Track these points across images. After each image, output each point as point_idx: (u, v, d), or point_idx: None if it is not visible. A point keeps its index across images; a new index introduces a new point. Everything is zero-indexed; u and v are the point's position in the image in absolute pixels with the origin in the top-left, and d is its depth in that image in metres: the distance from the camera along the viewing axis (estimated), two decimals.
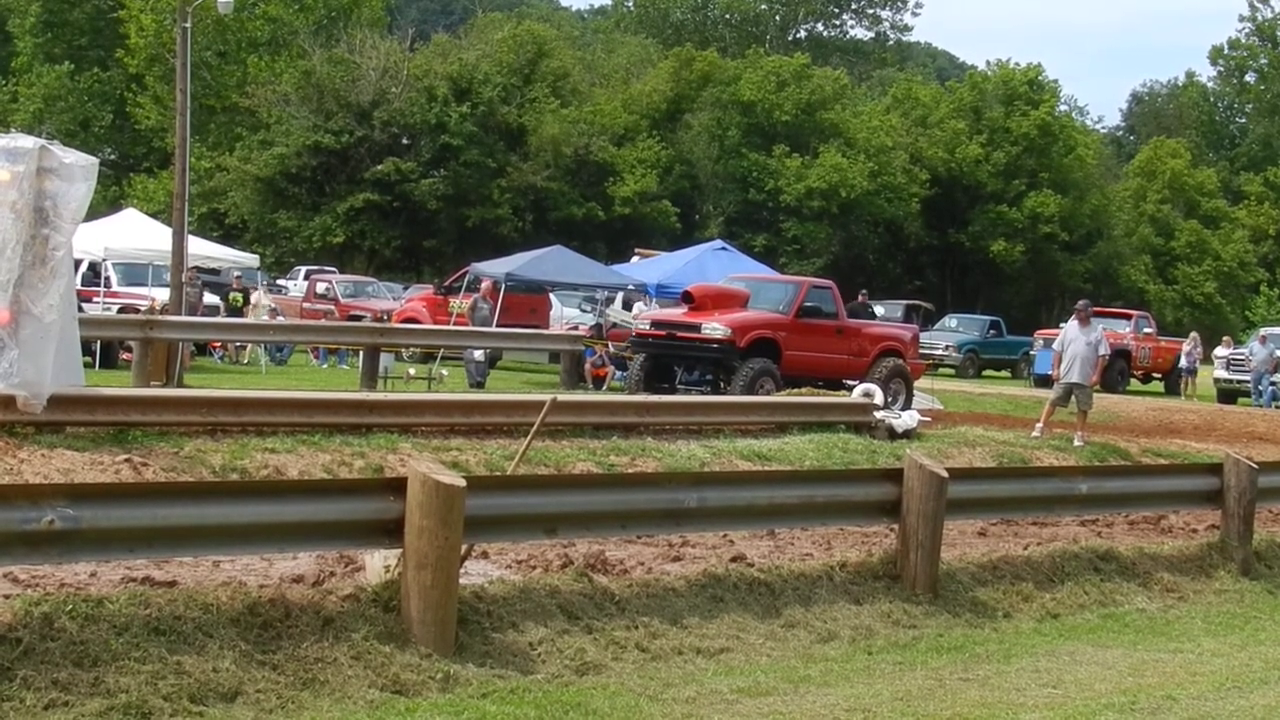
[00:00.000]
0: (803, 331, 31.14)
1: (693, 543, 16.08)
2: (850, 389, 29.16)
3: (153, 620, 10.08)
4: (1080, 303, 28.89)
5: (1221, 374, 52.37)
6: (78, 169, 17.92)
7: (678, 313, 32.63)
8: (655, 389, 30.36)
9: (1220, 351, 53.68)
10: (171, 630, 10.03)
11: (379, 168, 75.78)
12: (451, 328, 38.42)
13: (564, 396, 22.83)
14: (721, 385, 30.57)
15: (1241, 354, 51.97)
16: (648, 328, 32.45)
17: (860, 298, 48.50)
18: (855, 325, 33.40)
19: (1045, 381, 42.13)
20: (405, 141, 78.31)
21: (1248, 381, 50.14)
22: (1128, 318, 55.37)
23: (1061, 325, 31.49)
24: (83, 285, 34.90)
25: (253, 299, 46.29)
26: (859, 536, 17.26)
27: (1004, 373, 59.41)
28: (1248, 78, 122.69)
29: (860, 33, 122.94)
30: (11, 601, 10.19)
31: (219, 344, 40.53)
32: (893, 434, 25.09)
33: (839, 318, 32.49)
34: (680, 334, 31.01)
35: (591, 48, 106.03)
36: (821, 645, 12.56)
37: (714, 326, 30.29)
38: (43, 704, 9.02)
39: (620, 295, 46.11)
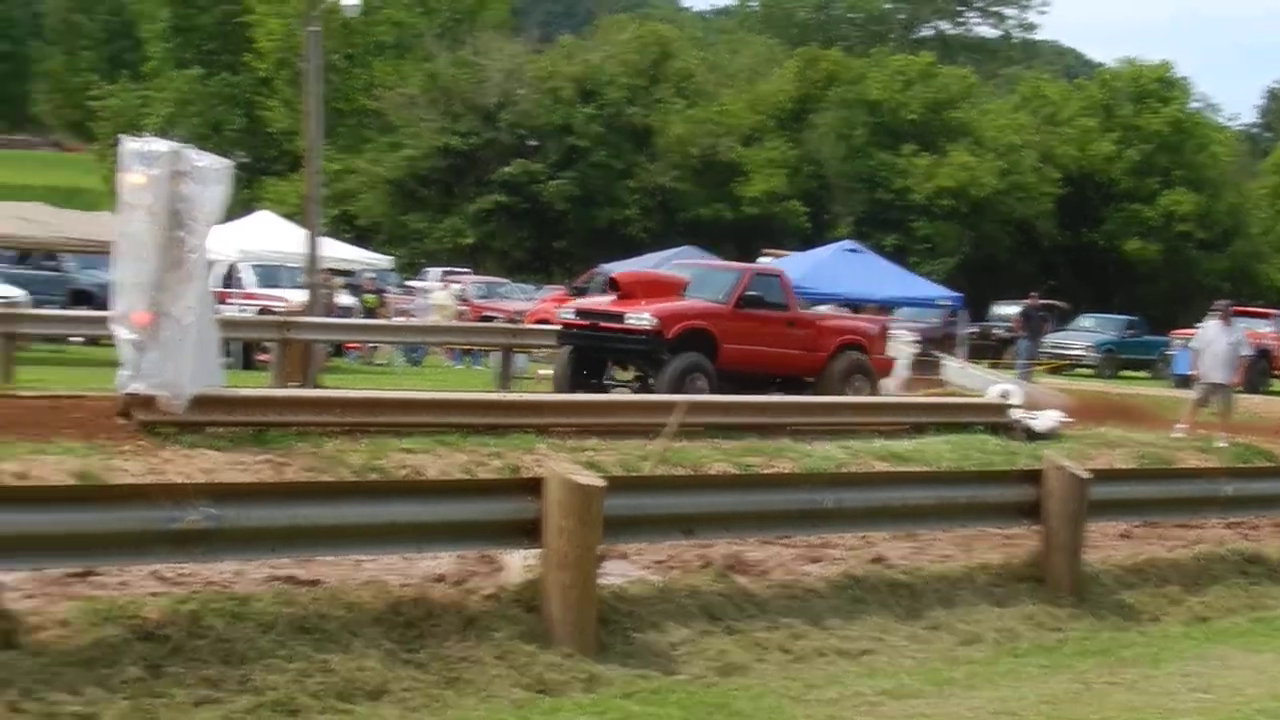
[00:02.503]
0: (744, 322, 28.54)
1: (831, 544, 15.96)
2: (809, 387, 28.42)
3: (298, 619, 10.14)
4: (1221, 302, 28.49)
5: None
6: (211, 172, 18.06)
7: (604, 301, 30.26)
8: (583, 384, 28.50)
9: None
10: (317, 629, 10.08)
11: (507, 169, 76.07)
12: None
13: (699, 397, 22.77)
14: (650, 382, 27.90)
15: None
16: (573, 317, 29.85)
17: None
18: (809, 317, 31.09)
19: (1186, 382, 41.63)
20: (532, 143, 78.53)
21: None
22: (1268, 317, 54.59)
23: (1198, 325, 31.05)
24: (219, 287, 35.26)
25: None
26: (1000, 538, 17.07)
27: (1143, 372, 58.69)
28: None
29: (986, 31, 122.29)
30: (159, 600, 10.27)
31: (355, 345, 40.82)
32: (1031, 435, 24.82)
33: (789, 309, 30.01)
34: (603, 324, 28.38)
35: (715, 48, 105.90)
36: (965, 648, 12.46)
37: (639, 316, 27.69)
38: (193, 701, 9.09)
39: None
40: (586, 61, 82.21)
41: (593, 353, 28.82)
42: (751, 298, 28.95)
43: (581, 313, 29.74)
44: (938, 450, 22.03)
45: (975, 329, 54.83)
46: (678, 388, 26.18)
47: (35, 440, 15.67)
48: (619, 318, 27.99)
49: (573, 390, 27.64)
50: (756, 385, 27.38)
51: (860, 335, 30.54)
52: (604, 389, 28.25)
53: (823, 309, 41.73)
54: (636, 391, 27.74)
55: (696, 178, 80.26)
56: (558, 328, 30.60)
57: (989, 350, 52.14)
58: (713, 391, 26.39)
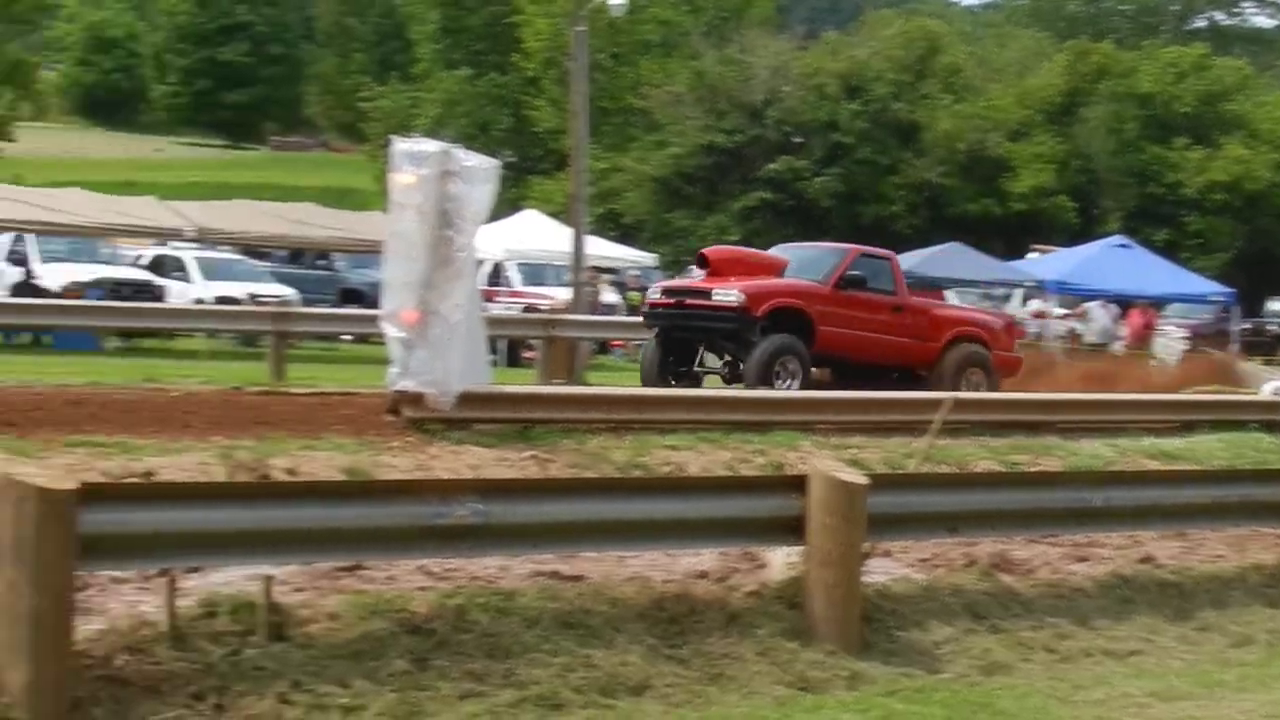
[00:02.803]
0: (845, 305, 25.99)
1: (1099, 543, 15.68)
2: (921, 380, 26.43)
3: (562, 614, 10.25)
4: None
5: None
6: (479, 172, 18.29)
7: (694, 279, 27.62)
8: (673, 373, 25.86)
9: None
10: (580, 624, 10.19)
11: (772, 166, 76.11)
12: None
13: (963, 394, 22.55)
14: (741, 367, 25.22)
15: None
16: (659, 296, 27.00)
17: None
18: (920, 306, 28.02)
19: None
20: (797, 140, 78.43)
21: None
22: None
23: None
24: (486, 285, 35.74)
25: None
26: (1274, 538, 16.67)
27: None
28: None
29: (1262, 21, 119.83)
30: (426, 594, 10.43)
31: (619, 342, 41.11)
32: None
33: (898, 294, 27.08)
34: (689, 302, 25.78)
35: (983, 42, 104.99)
36: (1236, 649, 12.22)
37: (727, 292, 25.05)
38: (458, 694, 9.23)
39: (1019, 292, 45.51)
40: (852, 58, 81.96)
41: (679, 334, 26.00)
42: (854, 279, 26.17)
43: (667, 291, 27.17)
44: (1209, 448, 21.60)
45: (1249, 325, 53.71)
46: (767, 372, 24.27)
47: (306, 436, 15.99)
48: (705, 294, 25.51)
49: (661, 381, 25.43)
50: (871, 378, 25.67)
51: (979, 328, 27.80)
52: (695, 379, 26.17)
53: (1090, 306, 41.11)
54: (727, 379, 25.68)
55: (963, 173, 79.62)
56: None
57: (1263, 346, 50.94)
58: (806, 378, 24.80)
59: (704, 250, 27.61)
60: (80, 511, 8.78)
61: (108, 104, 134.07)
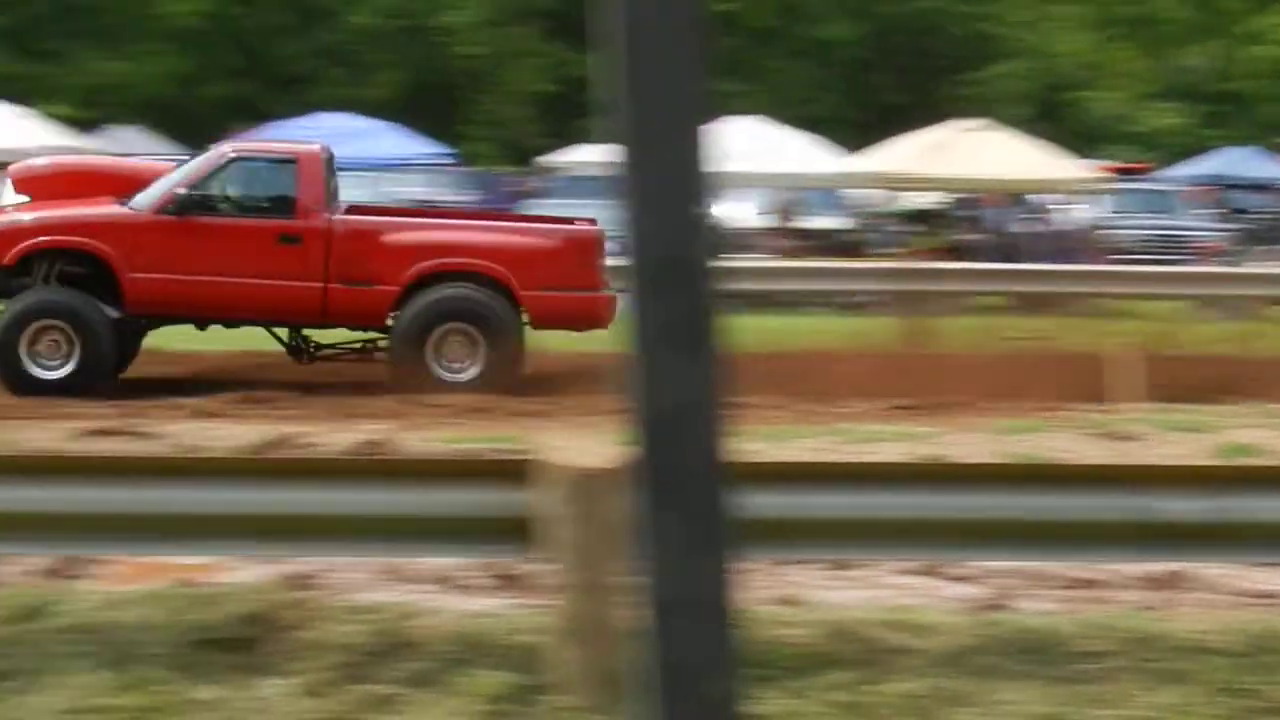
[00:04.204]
0: (181, 238, 16.90)
1: None
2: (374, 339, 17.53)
3: None
4: None
5: None
6: None
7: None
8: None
9: None
10: None
11: None
12: None
13: None
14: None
15: None
16: None
17: None
18: (349, 229, 17.25)
19: None
20: None
21: None
22: None
23: None
24: None
25: None
26: None
27: None
28: None
29: None
30: None
31: None
32: None
33: (304, 214, 17.05)
34: None
35: None
36: None
37: None
38: None
39: None
40: None
41: None
42: (196, 200, 17.15)
43: None
44: None
45: None
46: (11, 349, 16.35)
47: None
48: None
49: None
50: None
51: (481, 255, 17.25)
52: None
53: None
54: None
55: None
56: None
57: None
58: (105, 352, 16.70)
59: (9, 170, 19.01)
60: None
61: None
